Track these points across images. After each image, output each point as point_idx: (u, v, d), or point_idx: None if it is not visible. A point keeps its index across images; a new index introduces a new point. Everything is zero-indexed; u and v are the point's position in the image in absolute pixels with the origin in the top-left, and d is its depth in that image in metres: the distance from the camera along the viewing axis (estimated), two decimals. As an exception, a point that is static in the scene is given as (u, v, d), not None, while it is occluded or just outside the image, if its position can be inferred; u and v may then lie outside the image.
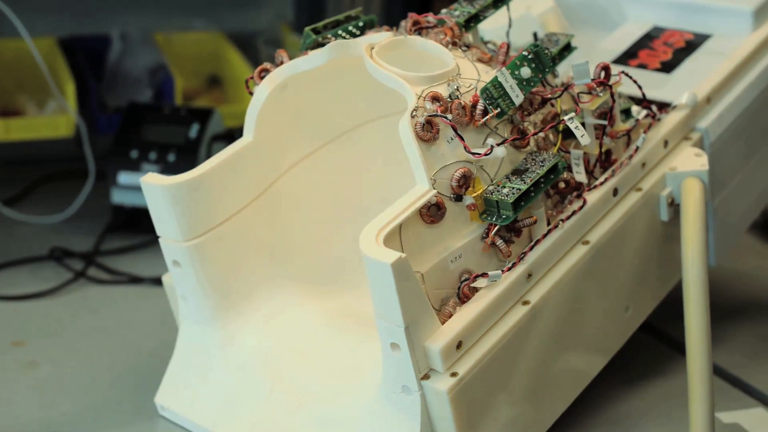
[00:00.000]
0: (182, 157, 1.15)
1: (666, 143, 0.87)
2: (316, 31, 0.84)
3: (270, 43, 1.47)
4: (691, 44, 0.96)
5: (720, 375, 0.90)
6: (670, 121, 0.88)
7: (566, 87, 0.80)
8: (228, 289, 0.84)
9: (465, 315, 0.73)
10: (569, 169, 0.80)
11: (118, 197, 1.17)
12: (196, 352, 0.85)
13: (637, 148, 0.84)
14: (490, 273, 0.75)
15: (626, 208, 0.83)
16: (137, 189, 0.81)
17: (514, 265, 0.76)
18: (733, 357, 0.93)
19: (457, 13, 0.85)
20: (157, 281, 1.04)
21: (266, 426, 0.80)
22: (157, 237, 0.82)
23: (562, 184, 0.81)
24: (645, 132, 0.86)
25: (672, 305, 0.86)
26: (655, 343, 0.95)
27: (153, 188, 0.80)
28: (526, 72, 0.77)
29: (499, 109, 0.76)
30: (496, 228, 0.76)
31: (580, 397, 0.83)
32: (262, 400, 0.81)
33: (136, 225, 1.16)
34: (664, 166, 0.86)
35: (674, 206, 0.86)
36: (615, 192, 0.82)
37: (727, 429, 0.84)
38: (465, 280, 0.75)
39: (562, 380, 0.81)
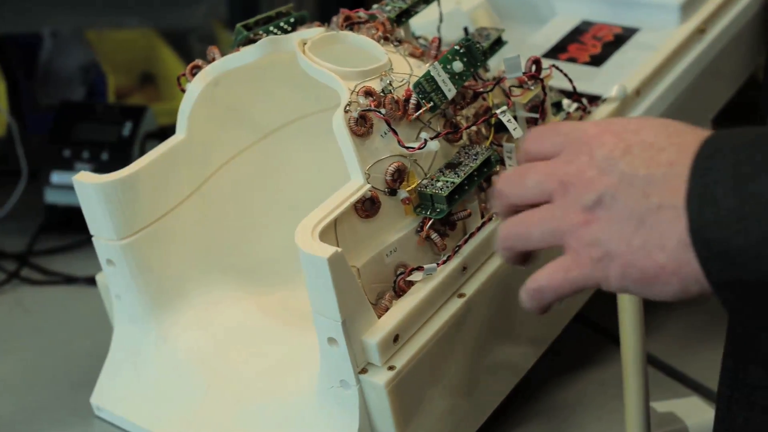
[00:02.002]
0: (115, 155, 1.14)
1: (596, 135, 0.88)
2: (247, 28, 0.84)
3: (203, 40, 1.46)
4: (620, 38, 0.97)
5: (654, 364, 0.91)
6: (600, 113, 0.89)
7: (498, 81, 0.81)
8: (162, 287, 0.83)
9: (401, 308, 0.73)
10: (502, 162, 0.81)
11: (52, 197, 1.15)
12: (131, 351, 0.85)
13: (568, 140, 0.85)
14: (425, 266, 0.75)
15: (558, 200, 0.83)
16: (70, 188, 0.80)
17: (449, 258, 0.76)
18: (667, 346, 0.94)
19: (388, 8, 0.86)
20: (92, 281, 1.03)
21: (204, 423, 0.80)
22: (91, 236, 0.82)
23: (495, 177, 0.82)
24: (576, 125, 0.87)
25: (605, 296, 0.87)
26: (588, 334, 0.96)
27: (85, 187, 0.79)
28: (458, 66, 0.77)
29: (431, 103, 0.76)
30: (430, 221, 0.76)
31: (515, 388, 0.84)
32: (199, 398, 0.81)
33: (70, 224, 1.14)
34: (595, 158, 0.87)
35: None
36: (547, 184, 0.83)
37: (662, 418, 0.84)
38: (401, 273, 0.76)
39: (497, 372, 0.82)
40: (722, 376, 0.66)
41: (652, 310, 0.92)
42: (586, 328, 0.96)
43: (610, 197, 0.56)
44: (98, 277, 0.88)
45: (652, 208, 0.55)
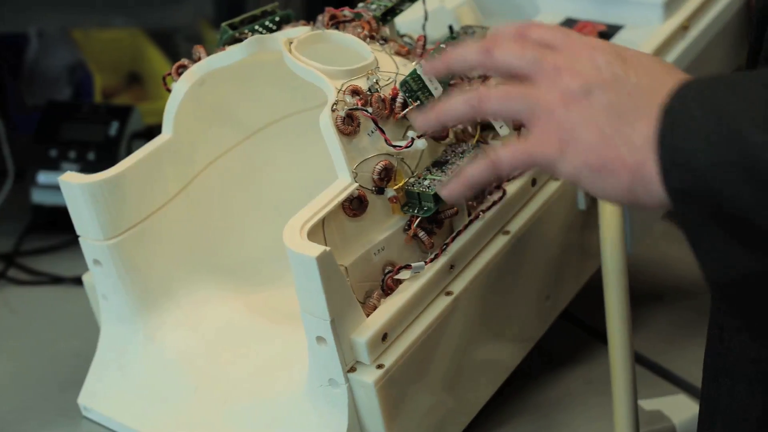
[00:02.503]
0: (102, 155, 1.14)
1: (583, 133, 0.88)
2: (233, 27, 0.84)
3: (190, 39, 1.46)
4: (604, 35, 0.97)
5: (641, 362, 0.91)
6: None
7: (485, 79, 0.81)
8: (149, 286, 0.83)
9: (389, 307, 0.73)
10: (489, 160, 0.81)
11: (38, 197, 1.15)
12: (118, 351, 0.84)
13: (555, 139, 0.85)
14: (413, 265, 0.75)
15: (545, 198, 0.84)
16: (57, 188, 0.80)
17: (436, 256, 0.76)
18: (654, 344, 0.94)
19: (373, 6, 0.86)
20: (78, 281, 1.03)
21: (192, 423, 0.80)
22: (78, 236, 0.81)
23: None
24: (562, 122, 0.87)
25: (592, 294, 0.87)
26: (575, 331, 0.96)
27: (71, 187, 0.79)
28: (444, 65, 0.77)
29: (418, 102, 0.76)
30: (418, 220, 0.76)
31: (503, 385, 0.84)
32: (187, 398, 0.81)
33: (57, 225, 1.14)
34: (581, 155, 0.88)
35: (591, 195, 0.87)
36: (534, 182, 0.84)
37: (650, 416, 0.85)
38: (388, 272, 0.76)
39: (485, 369, 0.82)
40: (708, 347, 0.67)
41: (639, 307, 0.92)
42: (573, 326, 0.96)
43: (600, 89, 0.60)
44: (85, 278, 0.88)
45: (632, 106, 0.58)
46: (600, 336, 0.93)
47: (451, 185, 0.66)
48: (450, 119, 0.66)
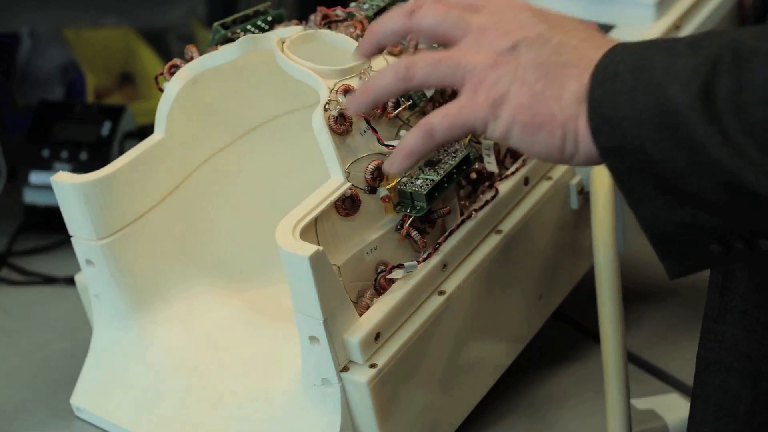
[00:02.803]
0: (94, 155, 1.13)
1: (575, 132, 0.88)
2: (225, 27, 0.84)
3: (182, 39, 1.46)
4: (597, 35, 0.98)
5: (634, 361, 0.92)
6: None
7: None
8: (142, 287, 0.83)
9: (382, 306, 0.73)
10: (480, 159, 0.81)
11: (31, 197, 1.15)
12: (111, 351, 0.84)
13: (547, 138, 0.86)
14: (405, 264, 0.75)
15: (537, 197, 0.84)
16: (49, 188, 0.80)
17: (429, 255, 0.76)
18: (647, 343, 0.94)
19: (366, 6, 0.86)
20: (71, 281, 1.03)
21: (185, 424, 0.80)
22: (70, 236, 0.81)
23: (474, 175, 0.82)
24: (554, 122, 0.87)
25: (585, 293, 0.87)
26: (568, 330, 0.96)
27: (64, 187, 0.79)
28: (436, 64, 0.77)
29: (411, 101, 0.76)
30: (410, 219, 0.76)
31: (496, 384, 0.84)
32: (180, 398, 0.81)
33: (49, 225, 1.14)
34: (574, 154, 0.88)
35: (584, 194, 0.87)
36: (526, 181, 0.84)
37: (642, 415, 0.85)
38: (381, 271, 0.76)
39: (478, 368, 0.82)
40: (701, 339, 0.68)
41: (631, 306, 0.93)
42: (566, 325, 0.97)
43: (526, 46, 0.61)
44: (77, 278, 0.88)
45: (560, 63, 0.60)
46: (592, 335, 0.93)
47: (394, 160, 0.66)
48: (381, 94, 0.67)
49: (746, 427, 0.66)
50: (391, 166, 0.67)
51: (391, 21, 0.67)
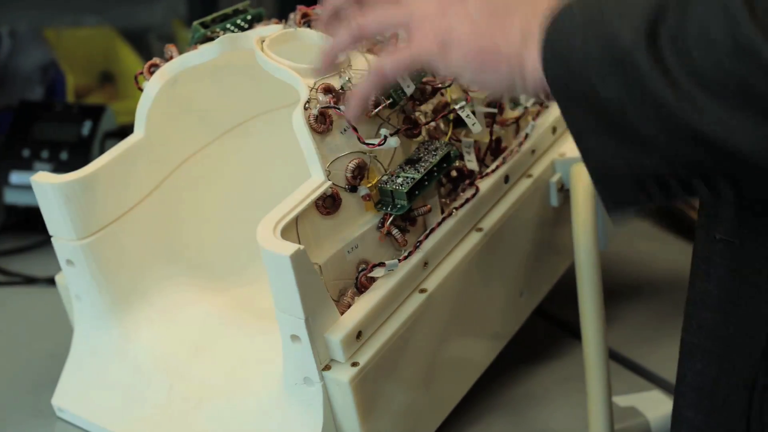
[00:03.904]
0: (75, 155, 1.13)
1: (554, 130, 0.89)
2: (204, 26, 0.84)
3: (162, 38, 1.46)
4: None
5: (615, 358, 0.92)
6: (558, 108, 0.89)
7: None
8: (123, 286, 0.83)
9: (364, 305, 0.73)
10: (461, 157, 0.81)
11: (11, 197, 1.15)
12: (92, 351, 0.84)
13: (527, 136, 0.86)
14: (387, 262, 0.75)
15: (518, 195, 0.84)
16: (30, 188, 0.80)
17: (410, 253, 0.77)
18: (628, 340, 0.94)
19: (347, 5, 0.86)
20: (52, 281, 1.02)
21: (167, 424, 0.80)
22: (50, 237, 0.81)
23: (454, 173, 0.82)
24: (534, 119, 0.87)
25: (566, 290, 0.88)
26: (549, 328, 0.97)
27: (44, 187, 0.79)
28: (416, 62, 0.77)
29: (391, 100, 0.76)
30: (391, 218, 0.77)
31: (478, 382, 0.84)
32: (161, 398, 0.81)
33: (30, 225, 1.14)
34: (553, 152, 0.88)
35: (564, 192, 0.88)
36: (506, 179, 0.84)
37: (624, 412, 0.85)
38: (362, 270, 0.76)
39: (460, 366, 0.82)
40: (684, 324, 0.69)
41: (612, 304, 0.93)
42: (547, 323, 0.97)
43: None
44: (58, 278, 0.88)
45: (505, 6, 0.63)
46: (574, 332, 0.93)
47: (351, 106, 0.71)
48: (340, 48, 0.71)
49: (725, 410, 0.67)
50: (349, 112, 0.72)
51: (341, 39, 0.71)
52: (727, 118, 0.54)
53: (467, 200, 0.80)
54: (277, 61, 0.77)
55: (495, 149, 0.85)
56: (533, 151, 0.87)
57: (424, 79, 0.79)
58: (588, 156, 0.60)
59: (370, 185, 0.76)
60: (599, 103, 0.58)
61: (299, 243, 0.69)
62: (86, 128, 1.15)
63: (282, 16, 0.88)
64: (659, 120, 0.56)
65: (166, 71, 0.82)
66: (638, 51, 0.56)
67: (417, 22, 0.66)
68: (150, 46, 1.48)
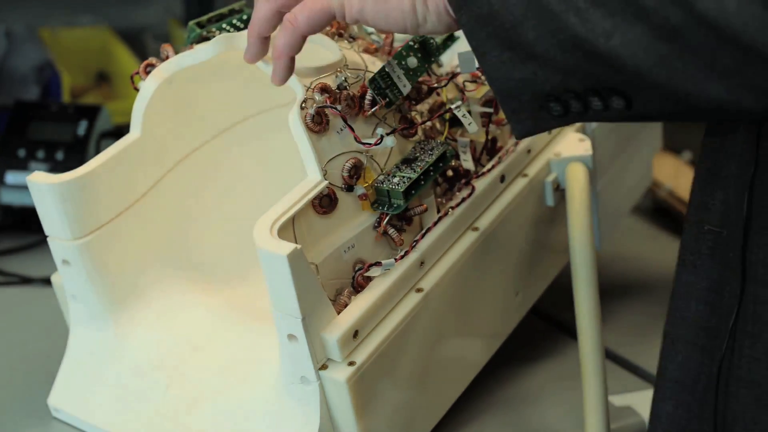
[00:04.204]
0: (71, 155, 1.13)
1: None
2: (200, 25, 0.84)
3: (158, 38, 1.46)
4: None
5: (611, 358, 0.92)
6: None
7: (452, 76, 0.81)
8: (119, 286, 0.83)
9: (360, 304, 0.73)
10: (457, 156, 0.81)
11: (7, 197, 1.14)
12: (88, 351, 0.84)
13: (523, 136, 0.86)
14: (383, 262, 0.75)
15: (513, 194, 0.84)
16: (26, 188, 0.80)
17: (406, 253, 0.77)
18: (624, 339, 0.95)
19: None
20: (48, 281, 1.02)
21: (163, 423, 0.80)
22: (46, 237, 0.81)
23: (450, 172, 0.82)
24: (530, 119, 0.87)
25: (561, 289, 0.88)
26: (545, 327, 0.97)
27: (40, 187, 0.78)
28: (412, 62, 0.78)
29: (387, 99, 0.76)
30: (387, 217, 0.77)
31: (474, 381, 0.84)
32: (158, 398, 0.81)
33: (26, 225, 1.14)
34: (549, 152, 0.88)
35: (560, 191, 0.88)
36: (502, 178, 0.84)
37: (620, 411, 0.85)
38: (359, 269, 0.76)
39: (456, 365, 0.83)
40: (668, 316, 0.70)
41: (608, 303, 0.93)
42: (543, 322, 0.97)
43: None
44: (54, 278, 0.87)
45: None
46: (569, 331, 0.94)
47: (274, 68, 0.72)
48: (261, 23, 0.72)
49: (703, 401, 0.67)
50: (275, 77, 0.72)
51: (260, 13, 0.72)
52: (616, 30, 0.56)
53: (463, 200, 0.80)
54: (273, 60, 0.77)
55: (491, 149, 0.85)
56: (529, 151, 0.87)
57: (420, 79, 0.79)
58: (490, 77, 0.62)
59: (366, 185, 0.76)
60: (496, 20, 0.60)
61: (296, 242, 0.69)
62: (82, 128, 1.15)
63: (278, 15, 0.88)
64: (551, 31, 0.58)
65: (162, 71, 0.82)
66: None
67: None
68: (146, 46, 1.48)
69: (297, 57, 0.76)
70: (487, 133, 0.84)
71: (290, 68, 0.72)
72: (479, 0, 0.60)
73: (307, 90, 0.75)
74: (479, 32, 0.61)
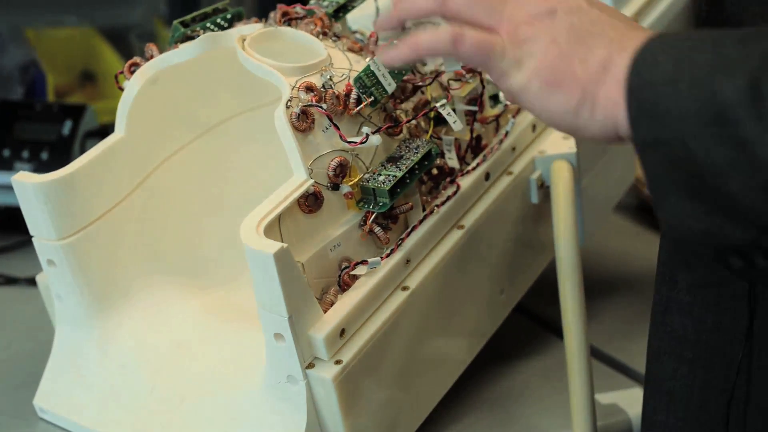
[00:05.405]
0: (55, 154, 1.13)
1: (534, 127, 0.89)
2: (184, 25, 0.84)
3: (143, 37, 1.45)
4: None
5: (596, 356, 0.92)
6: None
7: (437, 74, 0.81)
8: (104, 286, 0.83)
9: (346, 303, 0.74)
10: (442, 155, 0.82)
11: (-9, 197, 1.14)
12: (74, 351, 0.84)
13: (507, 133, 0.86)
14: (369, 260, 0.75)
15: (498, 192, 0.84)
16: (10, 188, 0.80)
17: (392, 251, 0.77)
18: (609, 337, 0.95)
19: (325, 3, 0.86)
20: (33, 281, 1.02)
21: (149, 423, 0.80)
22: (31, 237, 0.81)
23: (435, 170, 0.82)
24: (514, 117, 0.88)
25: (546, 287, 0.88)
26: (530, 325, 0.97)
27: (24, 187, 0.78)
28: (397, 60, 0.77)
29: (372, 98, 0.76)
30: (373, 215, 0.77)
31: (459, 379, 0.84)
32: (143, 398, 0.81)
33: (11, 225, 1.13)
34: (534, 149, 0.88)
35: (544, 188, 0.88)
36: (487, 176, 0.84)
37: (605, 409, 0.86)
38: (345, 268, 0.76)
39: (442, 363, 0.83)
40: (651, 329, 0.70)
41: (593, 300, 0.93)
42: (528, 320, 0.97)
43: (564, 13, 0.61)
44: (39, 278, 0.87)
45: (594, 32, 0.60)
46: (555, 329, 0.94)
47: (399, 49, 0.66)
48: (412, 12, 0.67)
49: (699, 413, 0.67)
50: (390, 54, 0.66)
51: (421, 2, 0.66)
52: None
53: (448, 198, 0.80)
54: (259, 59, 0.77)
55: (475, 147, 0.85)
56: (513, 149, 0.87)
57: (405, 77, 0.79)
58: (670, 225, 0.56)
59: (352, 183, 0.76)
60: (692, 166, 0.53)
61: (282, 241, 0.69)
62: (67, 128, 1.15)
63: (262, 15, 0.88)
64: (760, 184, 0.52)
65: (146, 70, 0.82)
66: (740, 108, 0.52)
67: (504, 25, 0.62)
68: (131, 45, 1.47)
69: (281, 56, 0.77)
70: (471, 131, 0.84)
71: (413, 60, 0.67)
72: (674, 143, 0.54)
73: (292, 89, 0.75)
74: (666, 175, 0.55)
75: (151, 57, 0.83)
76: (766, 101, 0.51)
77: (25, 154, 1.13)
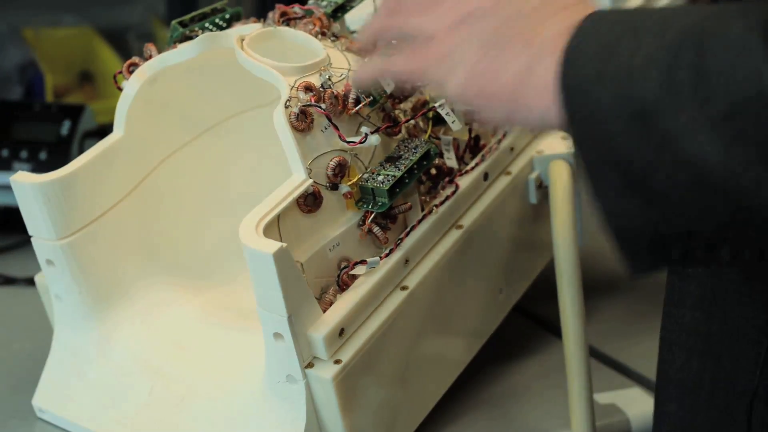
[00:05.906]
0: (54, 154, 1.13)
1: (534, 127, 0.89)
2: (183, 25, 0.84)
3: (142, 37, 1.45)
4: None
5: (595, 356, 0.92)
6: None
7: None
8: (103, 286, 0.83)
9: (346, 302, 0.74)
10: (440, 155, 0.82)
11: (-11, 197, 1.14)
12: (72, 352, 0.84)
13: (506, 133, 0.86)
14: (368, 260, 0.75)
15: (497, 192, 0.84)
16: (9, 188, 0.80)
17: (391, 251, 0.77)
18: (608, 337, 0.95)
19: (324, 3, 0.86)
20: (31, 282, 1.02)
21: (148, 424, 0.80)
22: (30, 237, 0.81)
23: (434, 170, 0.82)
24: (514, 117, 0.87)
25: (545, 287, 0.88)
26: (529, 325, 0.97)
27: (23, 187, 0.78)
28: (396, 60, 0.78)
29: (371, 98, 0.77)
30: (372, 215, 0.77)
31: (458, 379, 0.85)
32: (143, 399, 0.81)
33: (10, 225, 1.13)
34: (532, 149, 0.88)
35: (543, 188, 0.88)
36: (485, 176, 0.84)
37: (604, 409, 0.86)
38: (344, 267, 0.76)
39: (441, 363, 0.83)
40: (663, 322, 0.70)
41: (592, 300, 0.93)
42: (527, 319, 0.97)
43: (481, 13, 0.61)
44: (37, 278, 0.87)
45: (514, 34, 0.59)
46: (554, 329, 0.94)
47: (368, 69, 0.71)
48: (363, 46, 0.72)
49: (709, 403, 0.67)
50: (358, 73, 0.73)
51: (362, 39, 0.71)
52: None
53: (447, 198, 0.80)
54: (258, 59, 0.77)
55: (474, 147, 0.85)
56: (512, 149, 0.87)
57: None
58: (610, 219, 0.56)
59: (350, 183, 0.76)
60: (623, 164, 0.54)
61: (281, 241, 0.69)
62: (65, 128, 1.15)
63: (260, 15, 0.88)
64: (687, 179, 0.52)
65: (145, 70, 0.82)
66: (659, 103, 0.52)
67: (425, 40, 0.63)
68: (129, 45, 1.47)
69: (280, 56, 0.77)
70: (470, 131, 0.84)
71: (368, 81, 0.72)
72: (603, 142, 0.54)
73: (291, 89, 0.75)
74: (601, 172, 0.55)
75: (150, 57, 0.83)
76: (681, 96, 0.51)
77: (24, 154, 1.13)
